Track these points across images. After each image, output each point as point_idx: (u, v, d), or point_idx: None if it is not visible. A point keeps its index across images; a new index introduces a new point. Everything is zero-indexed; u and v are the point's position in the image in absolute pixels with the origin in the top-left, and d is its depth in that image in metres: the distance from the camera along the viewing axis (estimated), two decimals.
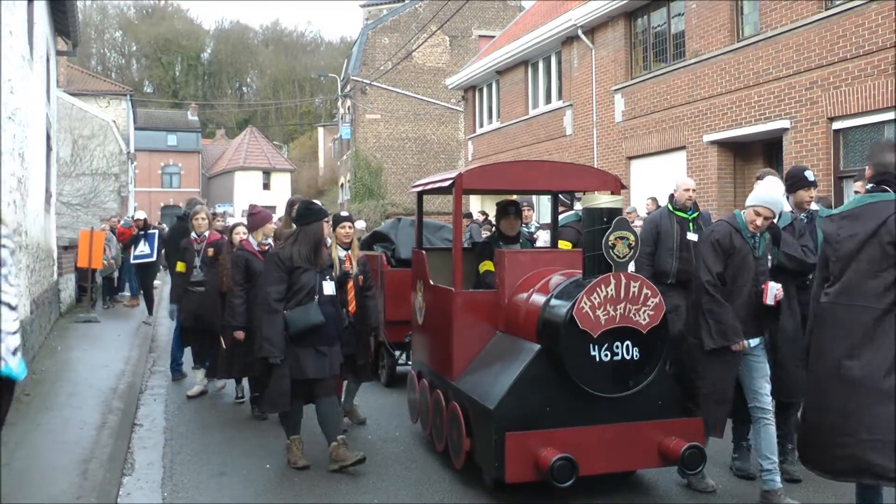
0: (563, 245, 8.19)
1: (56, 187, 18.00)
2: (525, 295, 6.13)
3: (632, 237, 5.42)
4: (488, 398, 5.63)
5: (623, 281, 5.41)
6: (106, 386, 9.37)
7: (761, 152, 15.34)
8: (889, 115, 11.88)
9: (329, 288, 6.68)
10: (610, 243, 5.37)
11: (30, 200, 10.46)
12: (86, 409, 8.20)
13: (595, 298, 5.35)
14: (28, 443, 6.90)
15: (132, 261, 16.65)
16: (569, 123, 21.66)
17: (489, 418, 5.52)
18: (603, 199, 5.64)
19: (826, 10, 13.12)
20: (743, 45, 14.95)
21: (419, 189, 7.63)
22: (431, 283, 7.04)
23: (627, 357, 5.48)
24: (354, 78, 40.92)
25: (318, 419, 6.63)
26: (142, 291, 16.82)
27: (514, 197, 9.94)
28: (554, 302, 5.69)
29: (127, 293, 18.71)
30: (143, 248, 16.02)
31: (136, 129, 46.08)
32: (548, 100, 23.49)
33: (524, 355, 5.72)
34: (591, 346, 5.41)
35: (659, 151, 17.73)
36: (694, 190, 7.71)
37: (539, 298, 5.91)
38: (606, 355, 5.44)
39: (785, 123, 13.80)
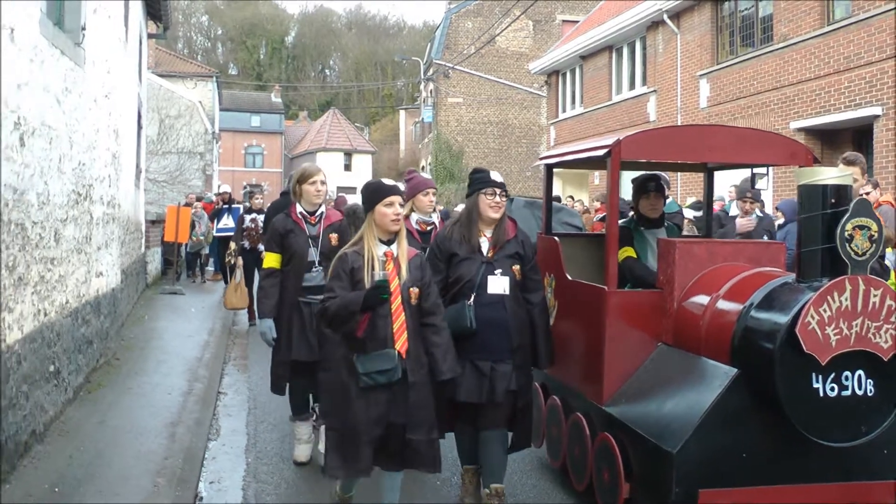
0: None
1: (144, 164, 18.55)
2: (705, 299, 4.75)
3: (874, 226, 4.00)
4: (666, 436, 4.31)
5: (862, 287, 3.98)
6: (191, 355, 9.69)
7: (850, 140, 14.94)
8: None
9: (498, 285, 5.04)
10: (847, 234, 3.97)
11: (122, 175, 10.82)
12: (173, 376, 8.52)
13: (825, 311, 3.94)
14: (120, 404, 7.22)
15: (215, 233, 17.05)
16: (652, 109, 21.43)
17: (669, 464, 4.19)
18: (828, 173, 4.17)
19: None
20: (834, 29, 14.56)
21: (553, 161, 6.33)
22: (569, 277, 5.69)
23: (859, 392, 4.09)
24: (437, 62, 41.04)
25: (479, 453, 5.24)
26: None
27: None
28: (759, 312, 4.30)
29: (211, 268, 19.17)
30: (226, 221, 16.26)
31: (220, 109, 46.98)
32: (632, 85, 23.26)
33: (714, 381, 4.34)
34: (813, 375, 4.04)
35: None
36: None
37: (731, 306, 4.53)
38: (832, 389, 4.06)
39: (877, 110, 13.41)
